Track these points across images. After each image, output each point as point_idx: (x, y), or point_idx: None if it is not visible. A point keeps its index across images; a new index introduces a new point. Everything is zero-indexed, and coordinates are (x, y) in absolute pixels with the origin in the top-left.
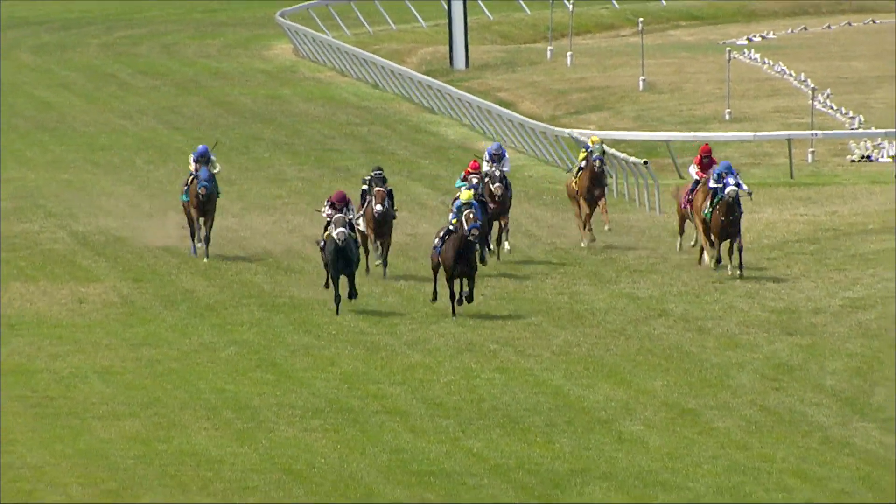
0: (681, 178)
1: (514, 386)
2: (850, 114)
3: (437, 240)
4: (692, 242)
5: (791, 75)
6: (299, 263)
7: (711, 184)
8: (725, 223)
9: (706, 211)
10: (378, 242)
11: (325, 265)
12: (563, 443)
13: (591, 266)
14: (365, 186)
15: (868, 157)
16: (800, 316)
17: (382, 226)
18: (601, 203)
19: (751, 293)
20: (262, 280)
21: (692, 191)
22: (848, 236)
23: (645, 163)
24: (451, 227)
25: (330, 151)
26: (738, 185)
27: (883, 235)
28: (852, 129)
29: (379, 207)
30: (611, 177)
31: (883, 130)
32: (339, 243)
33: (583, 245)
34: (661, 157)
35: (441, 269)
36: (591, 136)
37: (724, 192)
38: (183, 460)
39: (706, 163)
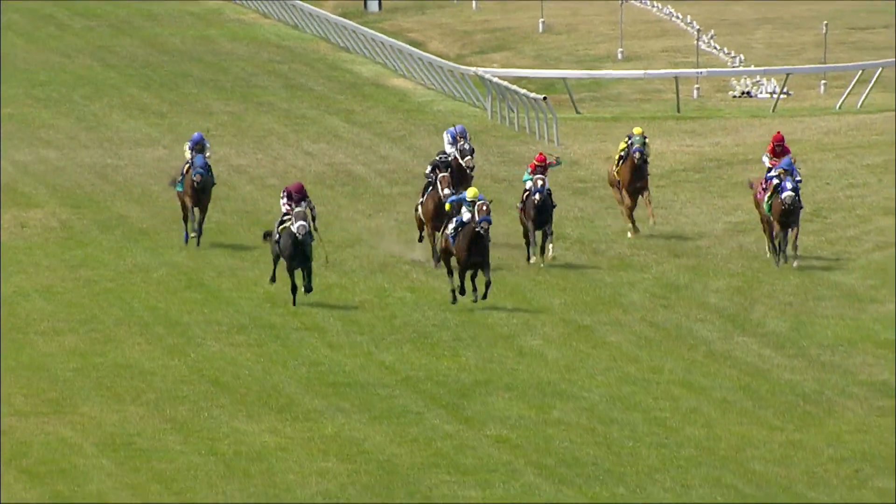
0: (577, 112)
1: (424, 304)
2: (732, 53)
3: (450, 229)
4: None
5: (678, 17)
6: (225, 191)
7: (775, 180)
8: (784, 216)
9: (766, 204)
10: (433, 234)
11: (275, 258)
12: (468, 356)
13: (494, 194)
14: (429, 179)
15: (748, 93)
16: (685, 239)
17: (442, 217)
18: (644, 195)
19: (640, 218)
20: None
21: (768, 180)
22: (730, 165)
23: (544, 98)
24: (463, 220)
25: (253, 87)
26: (795, 188)
27: (762, 165)
28: (734, 67)
29: (447, 191)
30: (646, 163)
31: (762, 69)
32: (299, 237)
33: (629, 236)
34: (559, 94)
35: (454, 260)
36: (635, 126)
37: (782, 197)
38: (118, 372)
39: (779, 151)
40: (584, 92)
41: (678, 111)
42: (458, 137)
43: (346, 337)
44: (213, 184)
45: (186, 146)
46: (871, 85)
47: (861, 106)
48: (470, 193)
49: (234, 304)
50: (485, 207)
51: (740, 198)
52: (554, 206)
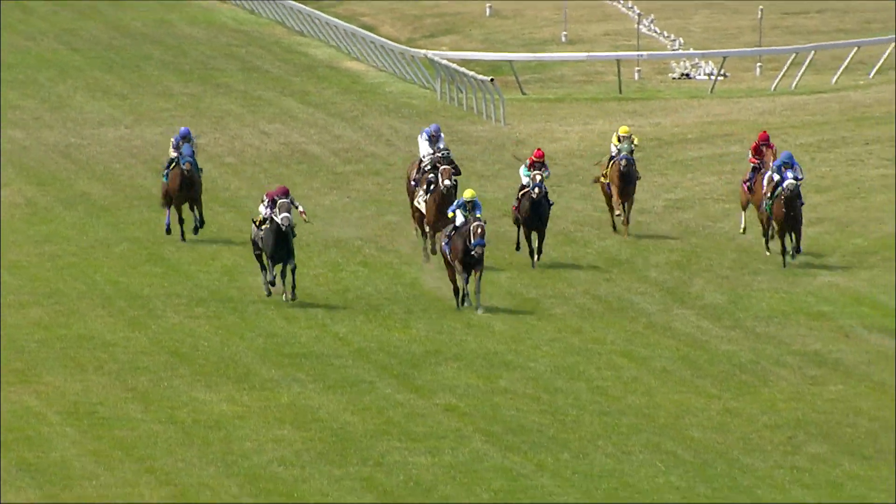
0: (523, 93)
1: (376, 278)
2: (672, 37)
3: (445, 238)
4: (741, 229)
5: (620, 2)
6: None
7: (773, 174)
8: (787, 216)
9: (766, 203)
10: (432, 233)
11: (258, 255)
12: (419, 328)
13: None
14: (432, 175)
15: (687, 74)
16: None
17: (443, 218)
18: (627, 205)
19: (584, 195)
20: (151, 184)
21: (751, 178)
22: (670, 145)
23: (491, 80)
24: (456, 225)
25: (212, 70)
26: (796, 177)
27: (700, 143)
28: (673, 50)
29: (448, 182)
30: (638, 173)
31: (700, 52)
32: (283, 228)
33: (616, 230)
34: (506, 76)
35: (456, 263)
36: (622, 126)
37: (783, 185)
38: (81, 343)
39: (763, 148)
40: (530, 74)
41: (620, 92)
42: (433, 138)
43: (301, 309)
44: (200, 172)
45: (171, 141)
46: (804, 67)
47: (795, 87)
48: (467, 194)
49: (193, 277)
50: (479, 230)
51: (679, 176)
52: (551, 205)
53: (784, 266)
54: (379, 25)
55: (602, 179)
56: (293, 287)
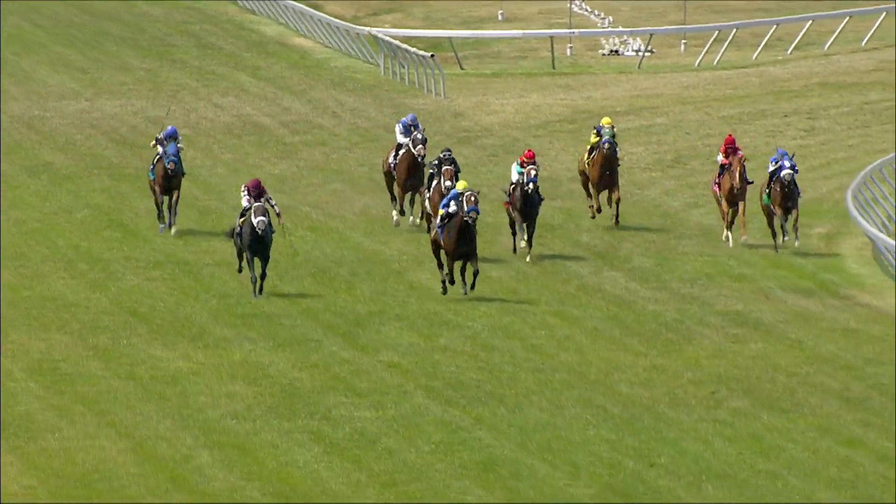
0: (461, 68)
1: (323, 242)
2: (602, 15)
3: (437, 222)
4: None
5: None
6: (142, 139)
7: (770, 168)
8: (785, 199)
9: (764, 195)
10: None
11: (239, 251)
12: (363, 289)
13: (387, 142)
14: (433, 171)
15: (616, 51)
16: (560, 183)
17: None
18: (614, 194)
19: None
20: (112, 154)
21: (720, 175)
22: (600, 117)
23: (432, 56)
24: (449, 211)
25: (168, 46)
26: (792, 167)
27: (629, 116)
28: (603, 28)
29: (448, 183)
30: (619, 162)
31: (628, 29)
32: (259, 232)
33: (596, 218)
34: (445, 52)
35: (443, 251)
36: (604, 118)
37: (781, 174)
38: (44, 304)
39: (730, 151)
40: (468, 50)
41: (553, 68)
42: (410, 127)
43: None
44: (184, 174)
45: (157, 137)
46: (726, 44)
47: (717, 63)
48: (460, 185)
49: (151, 242)
50: (473, 198)
51: None
52: (541, 200)
53: (776, 251)
54: (325, 3)
55: (586, 167)
56: (262, 280)
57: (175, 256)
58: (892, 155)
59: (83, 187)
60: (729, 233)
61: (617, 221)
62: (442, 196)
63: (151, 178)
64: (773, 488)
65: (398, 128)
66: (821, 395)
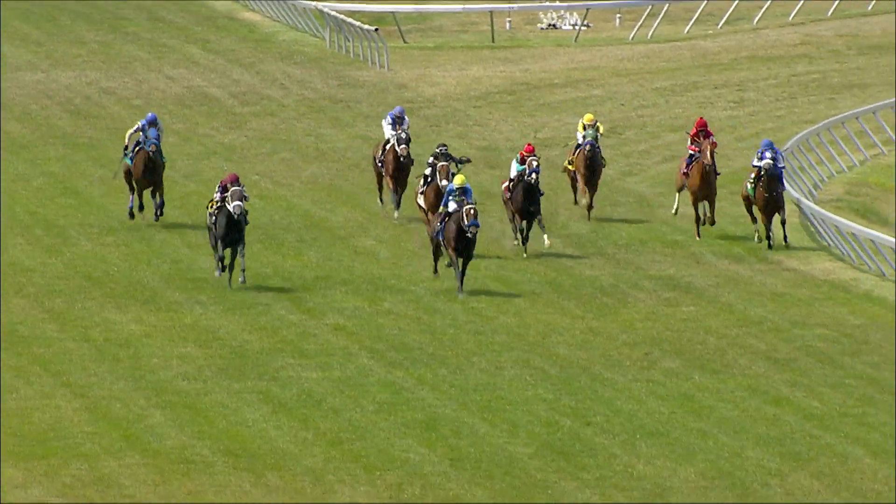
0: (404, 42)
1: (271, 209)
2: None
3: (437, 224)
4: (674, 209)
5: None
6: (96, 109)
7: (755, 162)
8: (769, 198)
9: (749, 188)
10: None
11: (214, 244)
12: (310, 255)
13: (333, 113)
14: (428, 171)
15: (553, 25)
16: (500, 152)
17: (440, 198)
18: (590, 191)
19: (461, 134)
20: (66, 123)
21: (689, 164)
22: (538, 89)
23: (376, 30)
24: (449, 211)
25: (121, 19)
26: (774, 160)
27: (566, 88)
28: (541, 2)
29: (444, 182)
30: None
31: (565, 4)
32: (235, 216)
33: (578, 204)
34: (389, 25)
35: (442, 249)
36: (586, 113)
37: (760, 165)
38: (1, 269)
39: (703, 135)
40: (411, 24)
41: (493, 41)
42: (396, 122)
43: (203, 238)
44: (164, 162)
45: (138, 125)
46: (659, 18)
47: (651, 37)
48: (457, 181)
49: (105, 209)
50: (472, 212)
51: (547, 117)
52: (542, 194)
53: (769, 248)
54: None
55: (569, 167)
56: (243, 269)
57: (128, 223)
58: (819, 125)
59: (39, 156)
60: (698, 226)
61: (591, 206)
62: (437, 193)
63: (129, 163)
64: (704, 445)
65: (385, 121)
66: (749, 356)
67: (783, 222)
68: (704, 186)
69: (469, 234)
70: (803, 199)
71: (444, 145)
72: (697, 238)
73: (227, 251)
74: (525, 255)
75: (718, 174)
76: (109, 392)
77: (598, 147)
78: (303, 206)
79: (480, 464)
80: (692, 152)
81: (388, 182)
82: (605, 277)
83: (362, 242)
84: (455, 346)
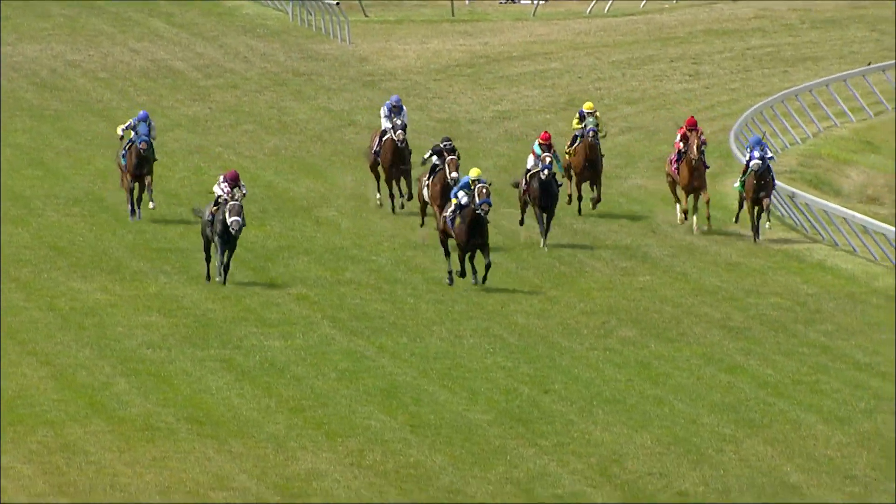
0: (366, 16)
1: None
2: None
3: (448, 212)
4: (681, 214)
5: None
6: (62, 82)
7: (744, 157)
8: (757, 190)
9: (739, 182)
10: (438, 209)
11: (206, 242)
12: (273, 225)
13: (295, 86)
14: (435, 158)
15: None
16: (459, 124)
17: (447, 190)
18: (595, 187)
19: (421, 106)
20: (32, 96)
21: (678, 160)
22: (497, 62)
23: (337, 4)
24: (461, 203)
25: None
26: (762, 158)
27: (524, 61)
28: None
29: (455, 175)
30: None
31: None
32: (233, 232)
33: (591, 208)
34: (351, 0)
35: (453, 241)
36: (586, 102)
37: (750, 164)
38: None
39: (690, 133)
40: None
41: (452, 15)
42: (393, 112)
43: (167, 209)
44: (155, 159)
45: (128, 123)
46: None
47: (608, 11)
48: (473, 173)
49: (70, 180)
50: (484, 191)
51: (506, 89)
52: (560, 185)
53: (756, 242)
54: None
55: (567, 157)
56: (227, 270)
57: (93, 194)
58: (773, 98)
59: (5, 128)
60: (684, 216)
61: (598, 198)
62: (444, 185)
63: (123, 163)
64: (660, 412)
65: (383, 111)
66: (704, 324)
67: (766, 210)
68: (694, 179)
69: (481, 213)
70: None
71: (449, 139)
72: (682, 223)
73: (222, 253)
74: (543, 246)
75: (708, 167)
76: (75, 360)
77: (598, 133)
78: (265, 177)
79: (440, 430)
80: (679, 150)
81: (383, 177)
82: (563, 248)
83: (324, 213)
84: (415, 315)
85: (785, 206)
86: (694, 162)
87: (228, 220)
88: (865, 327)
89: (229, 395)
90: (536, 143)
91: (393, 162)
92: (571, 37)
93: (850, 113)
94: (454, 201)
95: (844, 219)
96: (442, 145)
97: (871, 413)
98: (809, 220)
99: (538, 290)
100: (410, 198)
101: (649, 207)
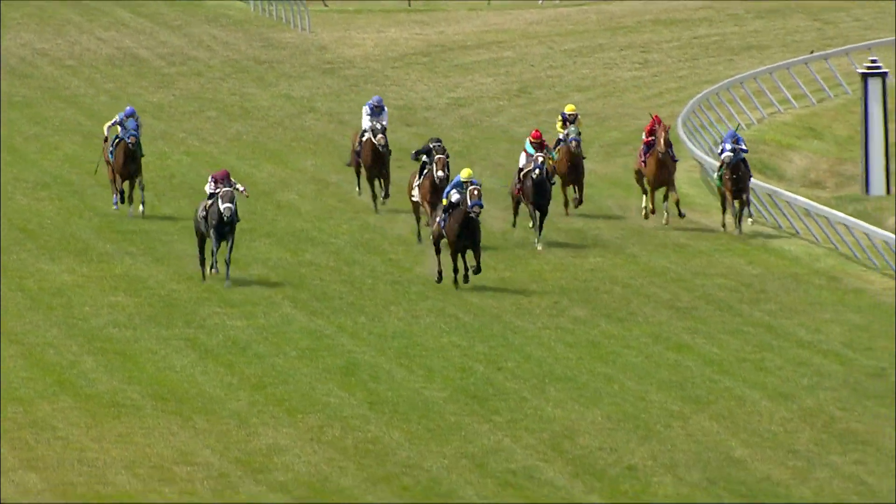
0: (325, 5)
1: (198, 165)
2: None
3: (441, 214)
4: (645, 209)
5: None
6: (30, 69)
7: (719, 151)
8: (734, 182)
9: (717, 174)
10: (432, 213)
11: (201, 240)
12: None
13: (257, 73)
14: (424, 157)
15: None
16: (416, 111)
17: (439, 196)
18: (577, 187)
19: (379, 93)
20: (1, 84)
21: (645, 153)
22: (451, 50)
23: None
24: (452, 202)
25: None
26: (734, 150)
27: (478, 49)
28: None
29: (441, 174)
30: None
31: None
32: (225, 219)
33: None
34: None
35: (444, 242)
36: (567, 104)
37: (722, 157)
38: None
39: (656, 129)
40: None
41: (409, 5)
42: (374, 112)
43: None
44: (142, 155)
45: (114, 120)
46: None
47: (560, 1)
48: (464, 174)
49: (39, 165)
50: (476, 192)
51: (461, 77)
52: (553, 184)
53: (739, 234)
54: None
55: (550, 161)
56: (227, 266)
57: (61, 178)
58: (719, 85)
59: None
60: (649, 212)
61: (580, 201)
62: (433, 184)
63: (111, 159)
64: (610, 390)
65: (364, 110)
66: (653, 304)
67: (747, 203)
68: (661, 174)
69: (472, 214)
70: (704, 156)
71: (439, 140)
72: (645, 218)
73: (217, 246)
74: (537, 244)
75: (676, 160)
76: (44, 339)
77: (581, 141)
78: (228, 161)
79: (397, 407)
80: (646, 143)
81: (366, 172)
82: (517, 230)
83: (285, 197)
84: (373, 295)
85: None
86: (661, 156)
87: (221, 207)
88: (808, 307)
89: (193, 373)
90: (528, 141)
91: (373, 163)
92: (524, 26)
93: (792, 100)
94: (445, 201)
95: (788, 202)
96: (431, 145)
97: (814, 389)
98: (754, 204)
99: (492, 271)
100: (387, 196)
101: (600, 191)
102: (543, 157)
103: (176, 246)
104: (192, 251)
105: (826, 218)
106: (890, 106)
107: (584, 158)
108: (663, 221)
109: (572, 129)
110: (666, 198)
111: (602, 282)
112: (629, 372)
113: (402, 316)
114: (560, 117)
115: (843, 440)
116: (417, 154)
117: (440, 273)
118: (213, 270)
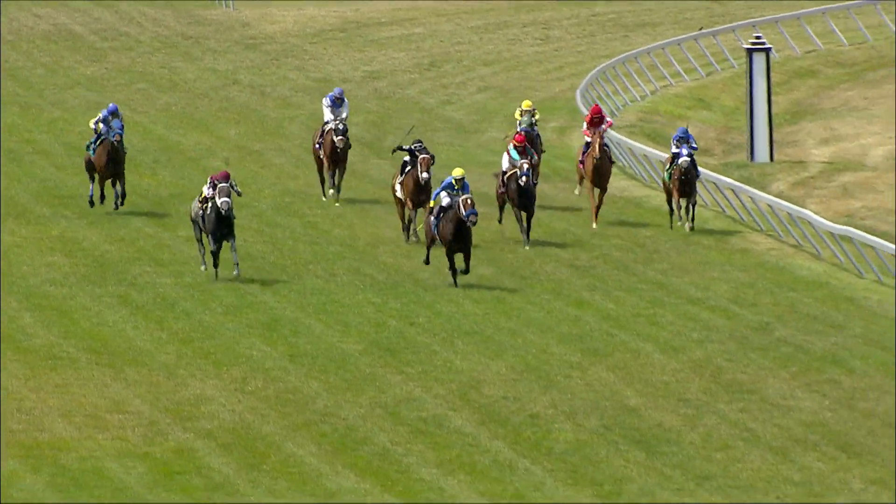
0: None
1: (130, 134)
2: None
3: (432, 217)
4: (577, 192)
5: None
6: None
7: (674, 149)
8: (682, 184)
9: (665, 174)
10: (415, 210)
11: (199, 238)
12: (164, 175)
13: (184, 48)
14: (406, 157)
15: None
16: (333, 83)
17: (422, 193)
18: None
19: (298, 67)
20: None
21: (585, 151)
22: (367, 27)
23: None
24: (443, 205)
25: None
26: (689, 154)
27: (392, 26)
28: None
29: (426, 175)
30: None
31: None
32: (223, 213)
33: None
34: None
35: (438, 242)
36: (525, 101)
37: (677, 162)
38: None
39: (596, 121)
40: None
41: None
42: (336, 104)
43: (68, 159)
44: (125, 152)
45: (99, 116)
46: None
47: None
48: (457, 173)
49: None
50: (469, 202)
51: (376, 52)
52: (536, 184)
53: (691, 230)
54: None
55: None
56: (236, 263)
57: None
58: (615, 59)
59: None
60: (594, 219)
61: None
62: (416, 181)
63: (91, 154)
64: (514, 343)
65: (325, 102)
66: (554, 263)
67: (693, 204)
68: (596, 177)
69: (469, 224)
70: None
71: (420, 141)
72: (594, 227)
73: (218, 247)
74: (526, 246)
75: (613, 162)
76: None
77: (536, 131)
78: (157, 131)
79: (316, 360)
80: (587, 139)
81: (326, 162)
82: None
83: (211, 163)
84: (294, 255)
85: (625, 157)
86: (596, 161)
87: (219, 202)
88: (697, 266)
89: (125, 328)
90: (511, 146)
91: (332, 157)
92: (434, 4)
93: (683, 73)
94: (433, 203)
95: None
96: (414, 146)
97: (703, 343)
98: (647, 170)
99: (405, 233)
100: (338, 190)
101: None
102: (528, 164)
103: (108, 209)
104: (124, 214)
105: (714, 183)
106: (773, 79)
107: (543, 151)
108: (593, 226)
109: (524, 119)
110: (600, 201)
111: (506, 242)
112: (532, 326)
113: (321, 274)
114: (519, 111)
115: (730, 389)
116: (399, 149)
117: (428, 257)
118: (202, 267)
